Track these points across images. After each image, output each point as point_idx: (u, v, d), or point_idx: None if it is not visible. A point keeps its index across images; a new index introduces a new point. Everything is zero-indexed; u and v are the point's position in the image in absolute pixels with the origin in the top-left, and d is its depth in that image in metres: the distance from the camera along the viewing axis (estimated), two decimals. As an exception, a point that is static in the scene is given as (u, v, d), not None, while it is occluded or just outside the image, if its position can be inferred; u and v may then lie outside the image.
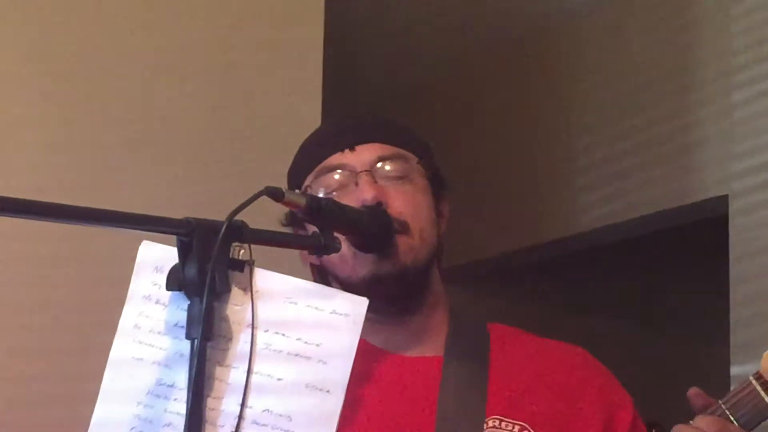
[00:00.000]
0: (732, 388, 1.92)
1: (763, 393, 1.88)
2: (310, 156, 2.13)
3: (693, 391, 1.92)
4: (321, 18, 3.32)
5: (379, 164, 2.07)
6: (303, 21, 3.29)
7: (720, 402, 1.89)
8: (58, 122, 2.96)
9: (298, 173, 2.12)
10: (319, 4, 3.30)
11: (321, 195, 2.03)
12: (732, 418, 1.87)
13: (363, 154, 2.07)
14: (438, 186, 2.15)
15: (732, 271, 3.79)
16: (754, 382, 1.89)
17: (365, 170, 2.05)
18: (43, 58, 2.98)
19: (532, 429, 2.07)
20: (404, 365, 2.10)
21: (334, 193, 2.05)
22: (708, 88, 3.95)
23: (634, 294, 4.87)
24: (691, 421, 1.89)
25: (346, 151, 2.08)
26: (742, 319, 3.75)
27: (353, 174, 2.06)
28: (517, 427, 2.06)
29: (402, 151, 2.10)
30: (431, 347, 2.13)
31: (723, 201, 3.84)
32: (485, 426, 2.04)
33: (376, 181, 2.04)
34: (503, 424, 2.06)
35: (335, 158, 2.08)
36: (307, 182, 2.09)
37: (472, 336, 2.17)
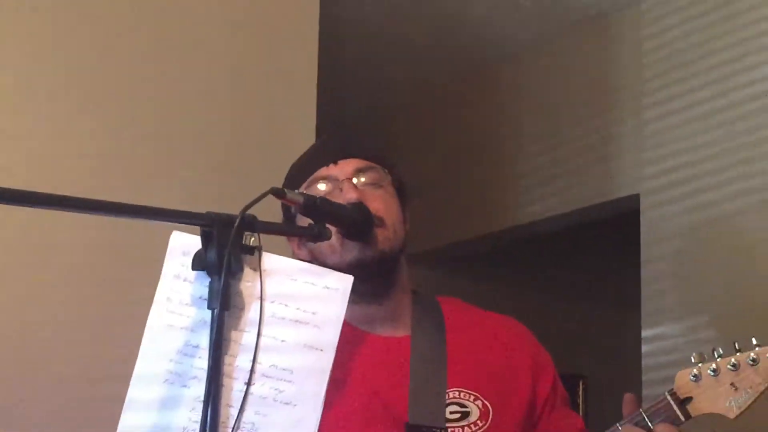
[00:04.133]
0: (652, 400, 1.88)
1: (674, 406, 1.87)
2: (303, 169, 2.14)
3: (628, 397, 1.90)
4: (315, 57, 3.28)
5: (356, 175, 2.09)
6: (299, 56, 3.25)
7: (641, 410, 1.88)
8: (100, 135, 2.90)
9: (293, 183, 2.12)
10: (314, 48, 3.28)
11: None
12: (650, 425, 1.86)
13: (344, 167, 2.08)
14: (403, 194, 2.16)
15: (642, 255, 3.80)
16: (668, 397, 1.87)
17: (347, 178, 2.07)
18: (83, 79, 2.92)
19: (482, 397, 2.08)
20: (380, 344, 2.10)
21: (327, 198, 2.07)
22: (624, 109, 3.96)
23: (566, 274, 4.85)
24: (619, 426, 1.87)
25: (331, 165, 2.10)
26: (650, 293, 3.76)
27: (337, 182, 2.07)
28: (471, 396, 2.07)
29: (375, 165, 2.11)
30: (401, 327, 2.12)
31: (635, 198, 3.86)
32: (447, 397, 2.06)
33: (356, 188, 2.06)
34: (461, 394, 2.07)
35: (322, 171, 2.09)
36: (301, 189, 2.11)
37: (430, 315, 2.17)
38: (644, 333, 3.74)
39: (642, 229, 3.82)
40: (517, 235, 4.40)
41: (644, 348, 3.74)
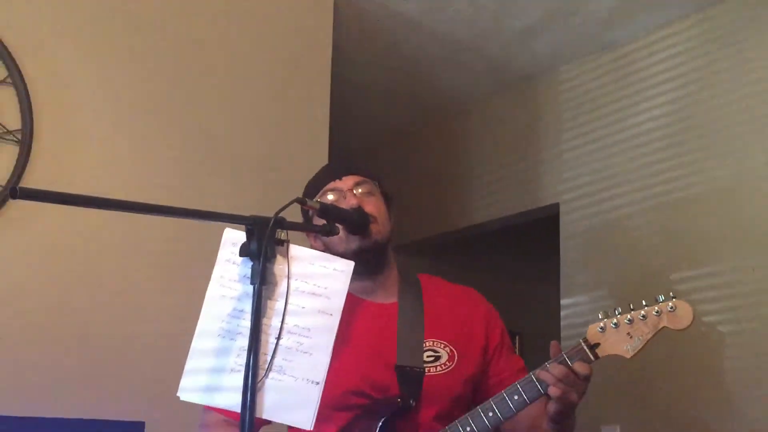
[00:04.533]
0: (570, 346, 1.90)
1: (587, 349, 1.87)
2: (317, 182, 2.14)
3: (553, 344, 1.90)
4: (327, 108, 3.27)
5: (356, 187, 2.10)
6: (314, 92, 3.24)
7: (563, 353, 1.88)
8: (178, 161, 2.88)
9: (310, 192, 2.13)
10: (326, 100, 3.26)
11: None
12: (569, 363, 1.86)
13: (347, 182, 2.09)
14: (388, 200, 2.16)
15: (560, 247, 3.81)
16: (582, 343, 1.88)
17: (349, 189, 2.08)
18: (162, 119, 2.89)
19: (450, 345, 2.08)
20: (375, 308, 2.10)
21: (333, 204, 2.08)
22: (547, 143, 3.96)
23: (508, 259, 4.84)
24: (548, 365, 1.87)
25: (337, 180, 2.11)
26: (566, 273, 3.77)
27: (342, 192, 2.07)
28: (442, 344, 2.07)
29: (368, 179, 2.12)
30: (390, 296, 2.12)
31: (556, 206, 3.88)
32: (424, 345, 2.06)
33: (356, 197, 2.07)
34: (434, 343, 2.07)
35: (332, 184, 2.10)
36: (316, 197, 2.12)
37: (412, 287, 2.17)
38: (562, 302, 3.75)
39: (561, 227, 3.83)
40: (472, 231, 4.40)
41: (562, 312, 3.75)
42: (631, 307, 1.89)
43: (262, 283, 1.52)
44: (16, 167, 2.56)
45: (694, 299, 3.19)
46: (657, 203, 3.45)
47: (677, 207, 3.38)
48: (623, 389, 3.44)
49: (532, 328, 4.59)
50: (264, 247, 1.53)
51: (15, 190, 1.40)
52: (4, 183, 2.54)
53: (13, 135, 2.59)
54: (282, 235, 1.59)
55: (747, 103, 3.21)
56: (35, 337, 2.55)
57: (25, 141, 2.59)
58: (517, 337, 4.88)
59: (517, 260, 4.82)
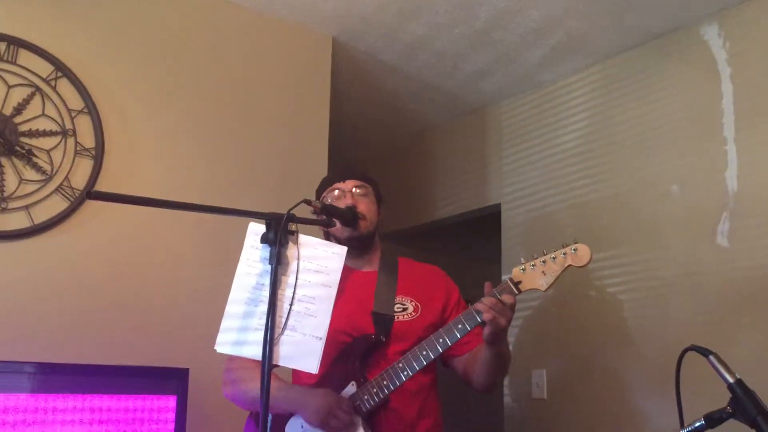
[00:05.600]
0: (499, 284, 1.91)
1: (512, 285, 1.89)
2: (326, 183, 2.16)
3: (488, 283, 1.92)
4: (327, 121, 3.24)
5: (354, 188, 2.09)
6: (317, 120, 3.22)
7: (494, 289, 1.89)
8: (205, 169, 2.86)
9: (323, 187, 2.15)
10: (326, 118, 3.24)
11: (329, 202, 2.07)
12: (498, 296, 1.86)
13: (347, 184, 2.10)
14: (379, 199, 2.16)
15: (503, 236, 3.81)
16: (508, 281, 1.91)
17: (348, 191, 2.07)
18: (189, 132, 2.87)
19: (416, 301, 2.10)
20: (361, 275, 2.12)
21: (337, 201, 2.08)
22: (491, 159, 3.96)
23: (463, 246, 4.84)
24: (483, 299, 1.88)
25: (341, 182, 2.11)
26: (507, 255, 3.77)
27: (343, 192, 2.07)
28: (409, 299, 2.09)
29: (365, 183, 2.13)
30: (373, 267, 2.14)
31: (498, 206, 3.87)
32: (395, 300, 2.07)
33: (353, 196, 2.06)
34: (403, 299, 2.09)
35: (336, 185, 2.11)
36: (324, 195, 2.12)
37: (390, 262, 2.19)
38: (503, 276, 3.75)
39: (502, 221, 3.83)
40: (436, 224, 4.39)
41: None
42: (545, 252, 1.90)
43: (278, 263, 1.52)
44: (91, 176, 2.56)
45: (600, 275, 3.22)
46: (575, 203, 3.46)
47: (590, 206, 3.39)
48: (549, 341, 3.45)
49: (481, 296, 4.60)
50: (279, 236, 1.53)
51: (90, 193, 1.41)
52: (81, 188, 2.53)
53: (89, 151, 2.58)
54: (293, 227, 1.59)
55: (639, 129, 3.23)
56: (104, 304, 2.55)
57: (98, 156, 2.59)
58: (470, 304, 4.91)
59: (470, 246, 4.83)
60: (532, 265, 1.89)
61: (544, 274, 1.87)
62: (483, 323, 1.87)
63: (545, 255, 1.89)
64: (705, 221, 2.92)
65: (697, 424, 1.25)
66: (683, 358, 1.35)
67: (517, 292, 1.88)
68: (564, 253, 1.88)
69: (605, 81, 3.41)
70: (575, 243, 1.88)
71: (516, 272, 1.90)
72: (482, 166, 4.00)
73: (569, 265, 1.87)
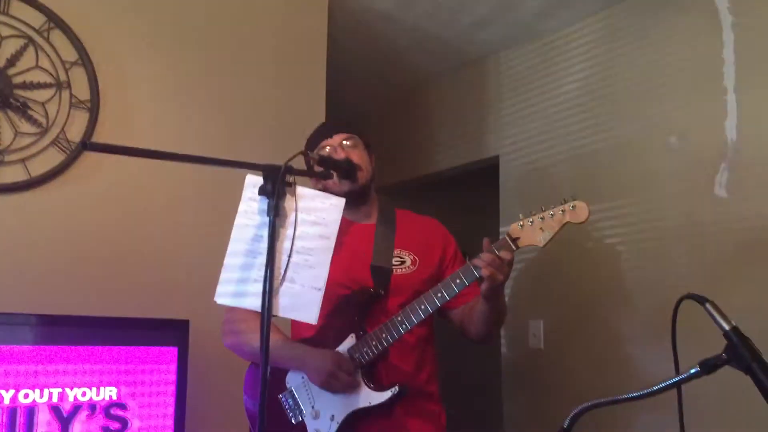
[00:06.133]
0: (497, 242, 1.91)
1: (510, 241, 1.88)
2: (314, 138, 2.14)
3: (486, 239, 1.90)
4: (324, 72, 3.22)
5: (344, 142, 2.08)
6: (314, 72, 3.20)
7: (492, 245, 1.89)
8: (202, 120, 2.84)
9: (310, 146, 2.12)
10: (323, 69, 3.21)
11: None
12: (497, 252, 1.86)
13: (336, 139, 2.08)
14: (369, 150, 2.15)
15: (500, 189, 3.81)
16: (506, 237, 1.89)
17: (338, 145, 2.06)
18: (185, 83, 2.84)
19: (413, 254, 2.10)
20: (360, 228, 2.12)
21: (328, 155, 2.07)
22: (490, 111, 3.93)
23: (462, 198, 4.84)
24: (481, 255, 1.88)
25: (328, 138, 2.09)
26: (505, 207, 3.77)
27: (333, 146, 2.06)
28: (407, 253, 2.10)
29: (353, 136, 2.11)
30: (371, 220, 2.14)
31: (497, 157, 3.85)
32: (393, 253, 2.07)
33: (344, 149, 2.05)
34: (401, 252, 2.09)
35: (324, 142, 2.09)
36: (315, 150, 2.10)
37: (388, 214, 2.19)
38: (501, 229, 3.76)
39: (500, 173, 3.82)
40: (435, 176, 4.38)
41: (501, 236, 3.75)
42: (543, 208, 1.89)
43: (276, 215, 1.51)
44: (87, 129, 2.53)
45: (599, 227, 3.23)
46: (574, 155, 3.44)
47: (589, 158, 3.38)
48: (547, 291, 3.48)
49: (479, 248, 4.61)
50: (277, 188, 1.51)
51: (85, 144, 1.40)
52: (77, 141, 2.51)
53: (84, 104, 2.56)
54: (290, 178, 1.57)
55: (639, 79, 3.20)
56: (103, 256, 2.56)
57: (93, 109, 2.56)
58: (467, 256, 4.93)
59: (468, 198, 4.83)
60: (531, 222, 1.88)
61: (542, 231, 1.87)
62: (481, 278, 1.88)
63: (543, 211, 1.88)
64: (704, 172, 2.91)
65: (692, 371, 1.26)
66: (680, 306, 1.35)
67: (515, 248, 1.88)
68: (562, 210, 1.87)
69: (605, 30, 3.37)
70: (573, 200, 1.88)
71: (514, 228, 1.90)
72: (481, 118, 3.97)
73: (567, 222, 1.86)
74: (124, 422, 2.15)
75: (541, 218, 1.87)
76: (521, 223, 1.89)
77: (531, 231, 1.87)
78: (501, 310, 2.03)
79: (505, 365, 3.70)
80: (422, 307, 1.92)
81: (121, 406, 2.16)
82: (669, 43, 3.10)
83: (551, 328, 3.46)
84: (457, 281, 1.90)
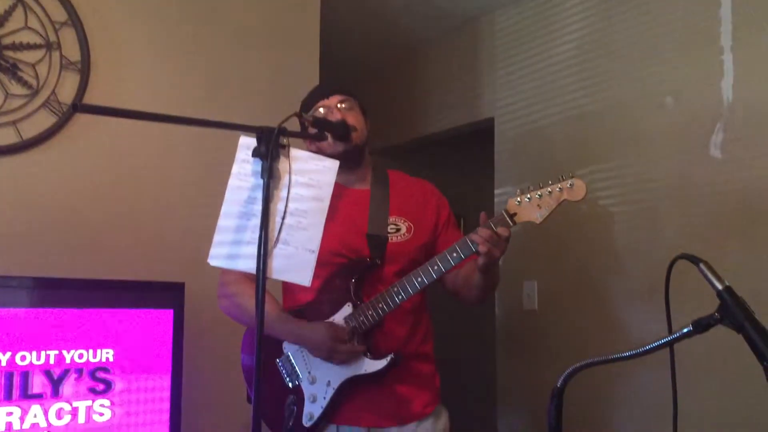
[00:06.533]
0: (494, 216, 1.91)
1: (507, 217, 1.88)
2: (310, 100, 2.12)
3: (483, 214, 1.91)
4: (317, 34, 3.19)
5: (339, 104, 2.06)
6: (308, 33, 3.16)
7: (489, 220, 1.89)
8: (194, 82, 2.82)
9: (306, 108, 2.10)
10: (316, 30, 3.18)
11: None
12: (494, 228, 1.86)
13: (332, 99, 2.06)
14: (364, 112, 2.14)
15: (495, 151, 3.80)
16: (504, 213, 1.89)
17: (334, 106, 2.05)
18: (178, 45, 2.82)
19: (408, 221, 2.10)
20: (354, 193, 2.11)
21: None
22: (486, 72, 3.91)
23: (455, 160, 4.84)
24: (478, 229, 1.88)
25: (325, 99, 2.07)
26: (499, 169, 3.77)
27: (329, 108, 2.04)
28: (402, 220, 2.10)
29: (349, 97, 2.09)
30: (365, 184, 2.13)
31: (492, 119, 3.84)
32: (388, 221, 2.08)
33: (340, 111, 2.04)
34: (396, 219, 2.09)
35: (321, 103, 2.07)
36: (310, 112, 2.08)
37: (381, 178, 2.18)
38: (496, 191, 3.76)
39: (495, 135, 3.80)
40: (429, 138, 4.37)
41: (495, 199, 3.76)
42: (541, 185, 1.89)
43: (270, 177, 1.50)
44: (78, 90, 2.51)
45: (593, 188, 3.23)
46: (569, 116, 3.43)
47: (584, 119, 3.36)
48: (541, 252, 3.49)
49: (473, 211, 4.60)
50: (270, 149, 1.50)
51: (76, 105, 1.38)
52: (69, 102, 2.48)
53: (75, 65, 2.53)
54: (285, 140, 1.56)
55: (635, 39, 3.17)
56: (97, 218, 2.55)
57: (84, 70, 2.53)
58: (462, 219, 4.95)
59: (462, 160, 4.82)
60: (528, 198, 1.88)
61: (540, 208, 1.87)
62: (477, 252, 1.89)
63: (541, 188, 1.88)
64: (698, 132, 2.91)
65: (685, 330, 1.26)
66: (673, 266, 1.36)
67: (512, 224, 1.88)
68: (560, 188, 1.87)
69: (602, -11, 3.34)
70: (572, 177, 1.88)
71: (511, 204, 1.89)
72: (475, 80, 3.95)
73: (564, 200, 1.87)
74: (108, 384, 2.16)
75: (539, 195, 1.87)
76: (518, 199, 1.89)
77: (528, 207, 1.88)
78: (494, 280, 2.06)
79: (499, 326, 3.73)
80: (419, 279, 1.93)
81: (115, 368, 2.17)
82: (664, 3, 3.07)
83: (545, 288, 3.48)
84: (454, 254, 1.92)
